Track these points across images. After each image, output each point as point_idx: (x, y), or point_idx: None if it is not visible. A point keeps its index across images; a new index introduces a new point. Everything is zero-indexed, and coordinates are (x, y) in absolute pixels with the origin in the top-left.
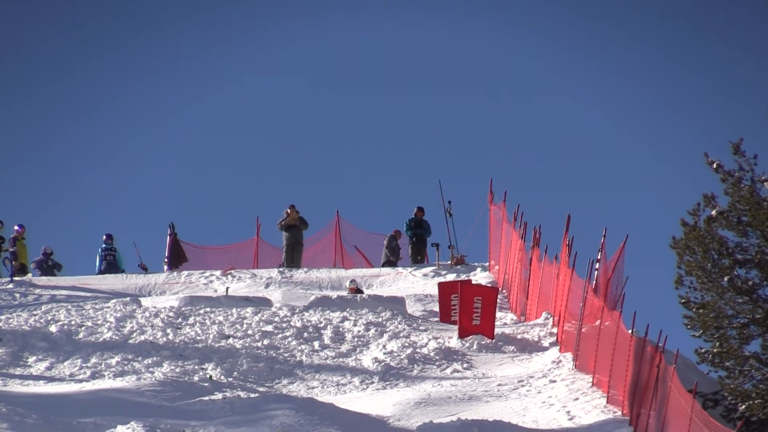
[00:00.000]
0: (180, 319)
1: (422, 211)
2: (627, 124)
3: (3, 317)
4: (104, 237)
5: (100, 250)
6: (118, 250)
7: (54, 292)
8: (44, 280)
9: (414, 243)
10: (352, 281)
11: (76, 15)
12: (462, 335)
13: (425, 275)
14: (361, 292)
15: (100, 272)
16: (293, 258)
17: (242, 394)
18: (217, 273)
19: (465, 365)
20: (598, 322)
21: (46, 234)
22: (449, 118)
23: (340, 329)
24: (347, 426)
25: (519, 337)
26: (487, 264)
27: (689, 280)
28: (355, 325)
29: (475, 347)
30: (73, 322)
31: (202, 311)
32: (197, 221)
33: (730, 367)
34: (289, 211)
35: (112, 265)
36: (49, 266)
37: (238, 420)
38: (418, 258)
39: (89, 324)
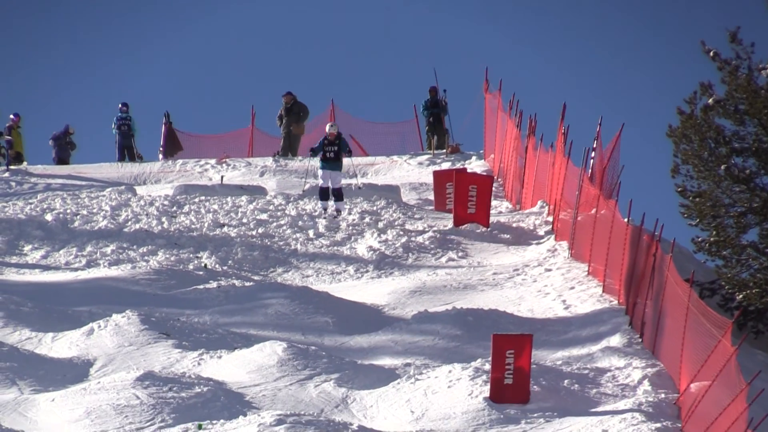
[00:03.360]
0: (175, 208)
1: (435, 90)
2: (624, 11)
3: None
4: (120, 105)
5: (115, 119)
6: (133, 118)
7: (49, 180)
8: (39, 168)
9: (431, 124)
10: (333, 125)
11: None
12: (457, 224)
13: (420, 164)
14: (341, 139)
15: (117, 143)
16: (291, 147)
17: (237, 282)
18: (212, 161)
19: (460, 254)
20: (593, 211)
21: (43, 122)
22: (446, 5)
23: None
24: (342, 314)
25: (514, 225)
26: (483, 152)
27: (686, 169)
28: (349, 213)
29: (470, 236)
30: (68, 211)
31: (196, 200)
32: (193, 110)
33: (727, 256)
34: (285, 99)
35: (126, 135)
36: (67, 142)
37: (232, 308)
38: (435, 138)
39: (84, 212)
